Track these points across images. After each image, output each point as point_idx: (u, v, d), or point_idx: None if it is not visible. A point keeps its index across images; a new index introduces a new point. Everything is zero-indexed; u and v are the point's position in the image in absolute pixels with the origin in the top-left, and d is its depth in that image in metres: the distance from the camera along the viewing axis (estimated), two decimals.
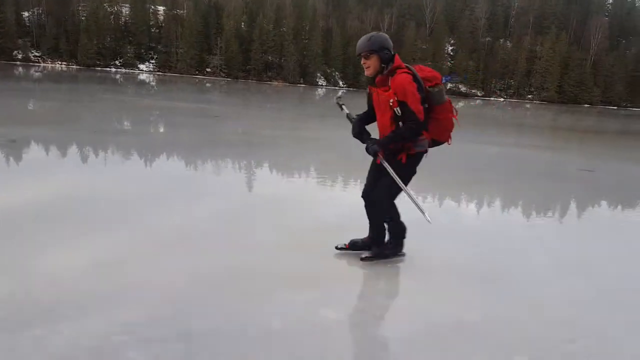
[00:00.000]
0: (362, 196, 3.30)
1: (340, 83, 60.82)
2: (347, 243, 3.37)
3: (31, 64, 48.45)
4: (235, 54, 54.18)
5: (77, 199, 4.24)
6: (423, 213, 3.10)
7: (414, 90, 2.83)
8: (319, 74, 59.69)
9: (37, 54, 50.40)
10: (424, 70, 3.01)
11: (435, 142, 3.15)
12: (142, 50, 54.52)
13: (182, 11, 57.52)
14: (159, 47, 55.31)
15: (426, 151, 3.08)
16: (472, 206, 5.31)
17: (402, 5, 62.73)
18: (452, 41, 65.98)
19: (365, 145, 3.03)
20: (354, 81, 60.19)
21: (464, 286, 2.94)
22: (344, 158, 7.59)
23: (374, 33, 3.01)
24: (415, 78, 2.90)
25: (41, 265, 2.77)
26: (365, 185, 3.29)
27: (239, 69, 55.15)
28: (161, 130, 10.49)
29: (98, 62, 50.89)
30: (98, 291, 2.48)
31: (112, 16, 53.35)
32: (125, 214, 3.85)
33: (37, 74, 34.25)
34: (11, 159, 5.95)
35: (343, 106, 3.30)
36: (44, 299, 2.37)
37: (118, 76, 40.65)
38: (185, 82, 38.98)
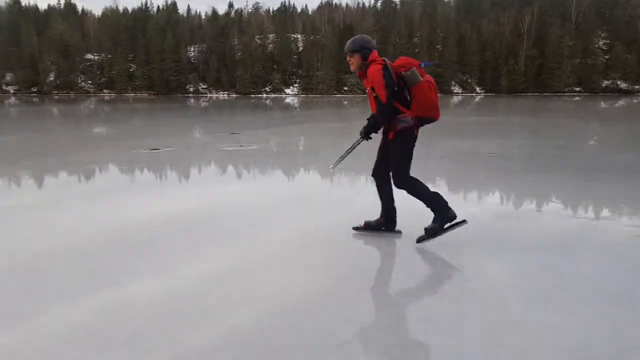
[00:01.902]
0: (372, 175, 3.65)
1: (477, 89, 59.15)
2: (362, 224, 3.73)
3: (200, 95, 56.85)
4: None
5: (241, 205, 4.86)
6: (337, 162, 3.65)
7: (380, 77, 3.22)
8: (453, 82, 58.92)
9: (204, 86, 58.93)
10: (400, 59, 3.37)
11: (424, 120, 3.41)
12: (287, 76, 60.01)
13: (318, 36, 62.08)
14: (300, 71, 60.30)
15: (413, 126, 3.35)
16: None
17: (544, 3, 58.82)
18: (602, 34, 59.66)
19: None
20: (493, 86, 58.05)
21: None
22: None
23: (358, 36, 3.52)
24: (385, 67, 3.27)
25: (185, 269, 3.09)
26: (374, 165, 3.62)
27: None
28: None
29: (252, 90, 57.43)
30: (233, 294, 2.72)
31: (261, 48, 59.88)
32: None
33: (204, 103, 39.96)
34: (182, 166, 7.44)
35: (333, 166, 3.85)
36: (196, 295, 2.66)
37: (268, 101, 45.34)
38: (325, 101, 41.48)
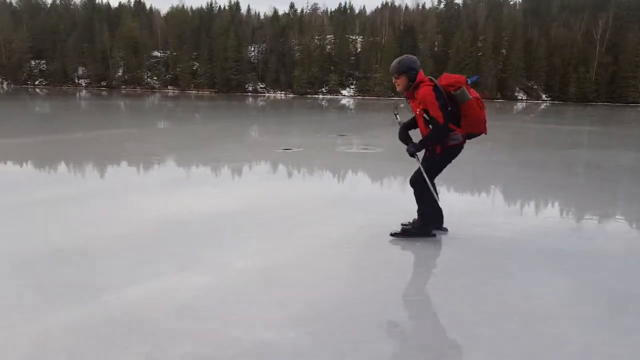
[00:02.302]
0: (410, 183, 3.72)
1: (543, 96, 56.70)
2: (399, 230, 3.79)
3: (258, 94, 57.85)
4: (429, 73, 55.32)
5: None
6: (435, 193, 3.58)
7: (433, 100, 3.30)
8: (517, 88, 56.78)
9: (262, 86, 59.90)
10: (448, 78, 3.43)
11: (472, 135, 3.56)
12: (344, 77, 59.92)
13: (377, 38, 61.52)
14: (357, 73, 60.02)
15: (461, 143, 3.52)
16: None
17: (620, 7, 55.44)
18: None
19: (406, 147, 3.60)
20: (560, 93, 55.45)
21: None
22: None
23: (403, 56, 3.56)
24: (435, 88, 3.36)
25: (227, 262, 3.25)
26: (413, 175, 3.70)
27: None
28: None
29: (309, 90, 57.79)
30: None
31: (319, 48, 60.06)
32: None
33: (261, 102, 40.53)
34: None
35: (397, 115, 3.91)
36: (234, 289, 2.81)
37: (324, 102, 45.39)
38: (382, 104, 41.05)
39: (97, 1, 64.14)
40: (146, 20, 62.42)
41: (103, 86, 58.85)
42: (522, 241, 3.85)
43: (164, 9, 67.10)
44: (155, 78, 61.03)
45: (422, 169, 3.57)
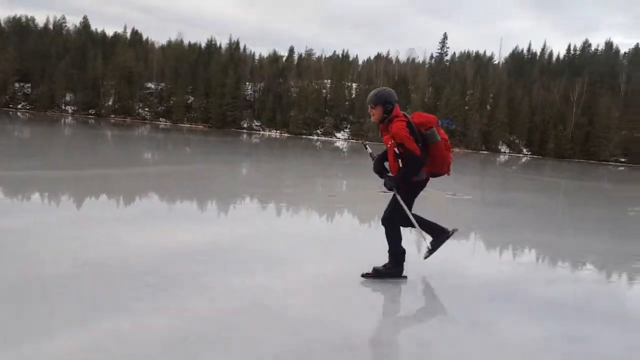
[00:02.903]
0: (382, 222, 3.85)
1: (524, 150, 60.20)
2: (371, 271, 3.84)
3: (253, 131, 57.90)
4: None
5: None
6: (424, 239, 3.81)
7: (407, 135, 3.46)
8: (500, 142, 60.08)
9: (257, 124, 60.06)
10: (420, 116, 3.62)
11: (435, 174, 3.74)
12: (338, 121, 61.27)
13: (371, 87, 63.87)
14: (352, 117, 61.63)
15: (425, 180, 3.69)
16: None
17: (593, 74, 60.85)
18: None
19: (383, 180, 3.74)
20: (540, 149, 59.06)
21: None
22: None
23: (381, 89, 3.75)
24: (408, 124, 3.52)
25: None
26: (384, 213, 3.85)
27: None
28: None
29: (304, 131, 58.50)
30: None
31: (316, 92, 61.45)
32: None
33: (255, 140, 40.73)
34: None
35: (367, 146, 4.21)
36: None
37: (318, 143, 46.21)
38: (372, 147, 42.34)
39: (92, 28, 63.02)
40: (142, 51, 61.80)
41: (91, 114, 56.99)
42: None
43: (161, 41, 66.60)
44: (147, 109, 59.89)
45: (401, 203, 3.63)
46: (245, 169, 15.80)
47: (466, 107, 58.95)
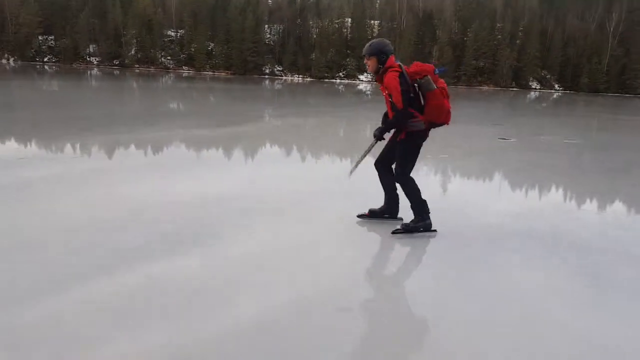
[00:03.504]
0: (375, 164, 3.93)
1: (556, 86, 58.11)
2: (367, 212, 4.03)
3: (275, 77, 57.47)
4: (449, 61, 55.98)
5: None
6: (354, 168, 3.95)
7: (397, 85, 3.44)
8: (530, 78, 57.99)
9: (279, 69, 59.43)
10: (416, 65, 3.57)
11: (435, 124, 3.66)
12: (361, 62, 59.91)
13: (395, 24, 61.58)
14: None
15: (423, 130, 3.64)
16: None
17: (632, 0, 56.89)
18: None
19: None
20: (573, 84, 56.89)
21: None
22: None
23: (375, 40, 3.71)
24: (401, 74, 3.49)
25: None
26: (378, 156, 3.92)
27: (451, 75, 56.74)
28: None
29: (326, 75, 57.66)
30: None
31: (337, 32, 59.75)
32: None
33: (278, 85, 40.42)
34: None
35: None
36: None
37: (341, 87, 45.59)
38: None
39: None
40: None
41: (115, 65, 57.41)
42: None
43: None
44: (169, 58, 59.80)
45: (401, 161, 3.72)
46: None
47: (495, 42, 56.59)
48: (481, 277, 3.16)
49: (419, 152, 3.76)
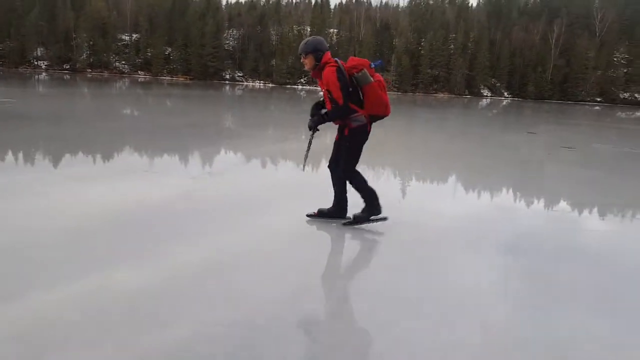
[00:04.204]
0: (328, 166, 3.92)
1: (505, 93, 61.41)
2: (315, 211, 3.98)
3: (236, 82, 57.00)
4: (406, 69, 57.87)
5: None
6: (304, 161, 3.97)
7: (335, 80, 3.46)
8: (482, 86, 61.00)
9: (240, 74, 59.03)
10: (352, 60, 3.58)
11: (376, 117, 3.67)
12: None
13: (353, 33, 62.99)
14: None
15: (366, 124, 3.65)
16: None
17: (571, 15, 61.55)
18: (622, 49, 62.75)
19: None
20: (520, 91, 60.36)
21: None
22: None
23: (310, 38, 3.74)
24: (338, 69, 3.50)
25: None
26: (330, 157, 3.90)
27: (408, 83, 58.65)
28: None
29: (288, 81, 57.92)
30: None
31: (298, 39, 60.25)
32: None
33: (239, 91, 40.19)
34: None
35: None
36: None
37: (302, 93, 46.05)
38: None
39: None
40: (114, 0, 58.92)
41: (66, 69, 54.82)
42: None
43: None
44: (124, 62, 57.90)
45: (346, 157, 3.73)
46: None
47: (449, 52, 59.17)
48: None
49: (362, 147, 3.74)
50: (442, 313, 2.57)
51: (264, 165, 7.13)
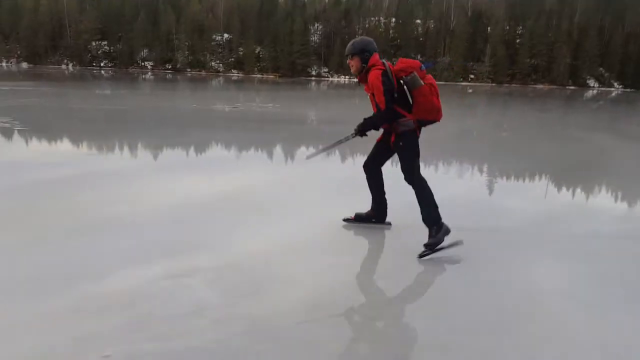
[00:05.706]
0: (363, 167, 3.66)
1: (615, 84, 55.54)
2: (352, 215, 3.78)
3: (322, 78, 57.61)
4: (501, 59, 54.54)
5: None
6: (314, 153, 3.95)
7: (379, 84, 3.20)
8: (588, 76, 55.69)
9: (325, 70, 59.61)
10: (401, 62, 3.30)
11: (425, 122, 3.39)
12: None
13: (441, 24, 60.63)
14: (422, 57, 59.31)
15: (414, 129, 3.36)
16: None
17: None
18: None
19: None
20: (634, 81, 54.25)
21: None
22: None
23: (358, 38, 3.46)
24: (384, 72, 3.24)
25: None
26: (367, 157, 3.65)
27: (504, 74, 55.25)
28: None
29: None
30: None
31: (384, 33, 59.45)
32: None
33: (324, 87, 40.15)
34: None
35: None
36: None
37: None
38: (450, 89, 40.18)
39: None
40: (207, 3, 62.39)
41: (168, 69, 59.11)
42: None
43: None
44: (218, 61, 61.09)
45: (406, 163, 3.46)
46: None
47: (552, 40, 54.71)
48: None
49: (418, 149, 3.47)
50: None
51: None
